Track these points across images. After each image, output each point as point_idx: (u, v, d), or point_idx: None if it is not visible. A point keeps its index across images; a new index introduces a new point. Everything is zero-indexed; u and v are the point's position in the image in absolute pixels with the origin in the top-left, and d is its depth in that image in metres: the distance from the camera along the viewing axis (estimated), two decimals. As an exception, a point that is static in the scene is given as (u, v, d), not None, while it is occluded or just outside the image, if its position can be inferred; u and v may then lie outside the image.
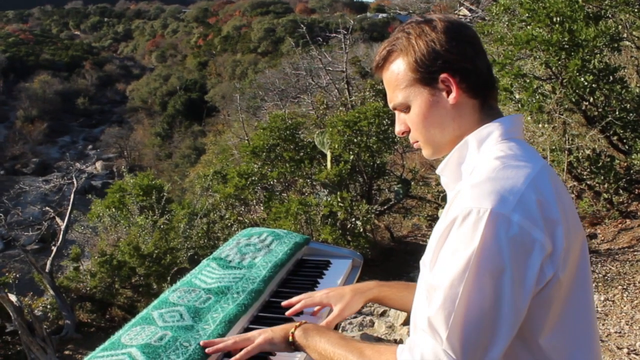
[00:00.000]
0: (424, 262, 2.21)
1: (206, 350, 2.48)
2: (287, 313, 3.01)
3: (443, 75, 2.16)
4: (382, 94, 15.87)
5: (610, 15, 9.48)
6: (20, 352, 14.15)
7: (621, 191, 9.84)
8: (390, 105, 2.35)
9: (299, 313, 3.05)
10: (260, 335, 2.48)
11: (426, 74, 2.19)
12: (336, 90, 20.82)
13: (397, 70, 2.26)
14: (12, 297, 13.39)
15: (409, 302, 2.85)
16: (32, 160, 61.24)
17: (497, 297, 1.84)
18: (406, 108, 2.28)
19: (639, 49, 10.22)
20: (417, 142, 2.34)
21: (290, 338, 2.42)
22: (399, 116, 2.35)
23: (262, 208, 14.12)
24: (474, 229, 1.85)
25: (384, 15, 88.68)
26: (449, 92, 2.18)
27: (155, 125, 65.73)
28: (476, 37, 2.27)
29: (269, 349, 2.48)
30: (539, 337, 1.99)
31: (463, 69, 2.17)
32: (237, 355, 2.44)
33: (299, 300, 3.04)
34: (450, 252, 1.90)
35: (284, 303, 3.04)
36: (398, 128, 2.38)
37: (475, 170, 2.09)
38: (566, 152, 9.06)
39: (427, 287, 2.03)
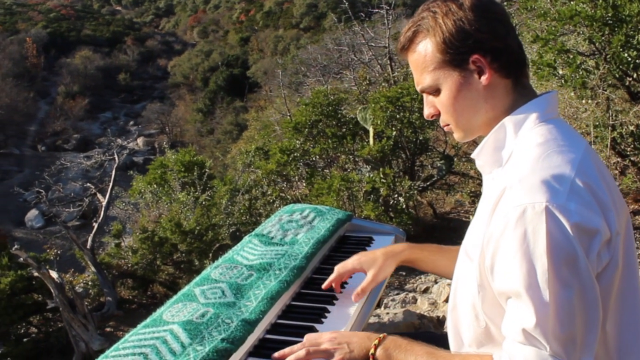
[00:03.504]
0: (468, 254, 2.20)
1: None
2: (323, 286, 3.01)
3: (474, 56, 2.11)
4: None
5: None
6: (62, 329, 14.26)
7: (666, 167, 9.73)
8: (418, 88, 2.30)
9: (343, 284, 3.04)
10: (337, 352, 2.35)
11: (456, 55, 2.13)
12: (379, 66, 20.72)
13: (424, 52, 2.20)
14: (53, 274, 13.48)
15: (441, 265, 2.88)
16: (73, 136, 61.51)
17: (580, 284, 1.81)
18: (435, 91, 2.23)
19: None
20: (448, 125, 2.29)
21: (371, 359, 2.29)
22: (428, 99, 2.30)
23: (304, 184, 14.11)
24: (535, 226, 1.82)
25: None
26: (480, 73, 2.13)
27: (197, 101, 65.80)
28: (505, 13, 2.20)
29: None
30: (605, 323, 1.96)
31: (494, 48, 2.11)
32: None
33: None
34: (517, 254, 1.85)
35: (323, 286, 3.01)
36: (427, 111, 2.33)
37: (517, 158, 2.06)
38: (610, 128, 8.95)
39: (497, 294, 1.99)
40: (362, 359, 2.29)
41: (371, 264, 2.94)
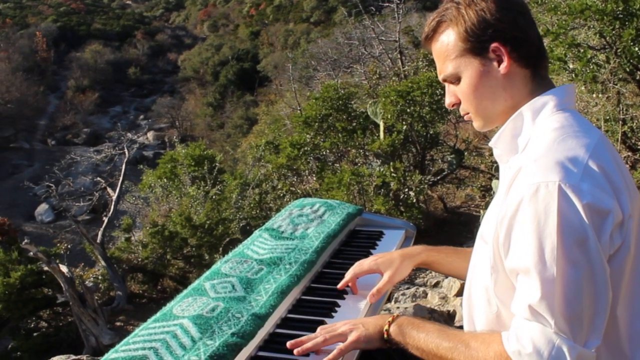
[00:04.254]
0: (483, 237, 2.23)
1: (295, 351, 2.38)
2: (338, 286, 2.99)
3: (494, 45, 2.15)
4: (435, 64, 15.79)
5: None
6: (72, 323, 14.31)
7: (677, 161, 9.71)
8: (440, 77, 2.34)
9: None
10: (353, 332, 2.37)
11: (477, 43, 2.18)
12: (389, 60, 20.74)
13: (446, 41, 2.26)
14: (63, 268, 13.53)
15: (457, 266, 2.90)
16: (83, 130, 61.48)
17: (590, 265, 1.82)
18: (456, 79, 2.27)
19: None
20: (468, 113, 2.33)
21: (385, 335, 2.32)
22: (449, 88, 2.34)
23: (314, 178, 14.13)
24: (547, 204, 1.84)
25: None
26: (499, 62, 2.17)
27: (207, 95, 65.82)
28: (526, 5, 2.25)
29: (364, 347, 2.39)
30: (616, 307, 1.97)
31: (514, 38, 2.16)
32: (331, 355, 2.33)
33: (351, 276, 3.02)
34: (528, 231, 1.87)
35: (339, 286, 3.00)
36: (448, 100, 2.37)
37: (533, 143, 2.09)
38: (620, 122, 8.94)
39: (508, 271, 2.01)
40: (377, 336, 2.33)
41: (388, 265, 2.95)
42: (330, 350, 2.35)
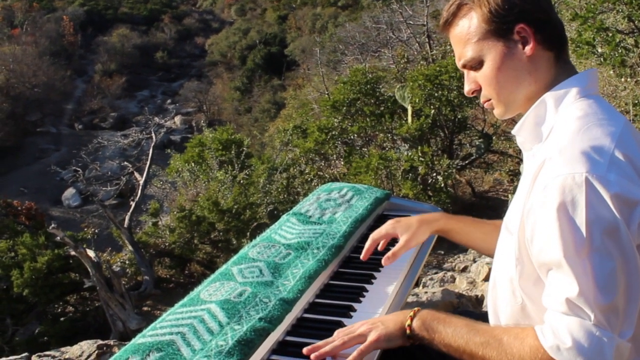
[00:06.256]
0: (508, 227, 2.19)
1: (312, 356, 2.28)
2: (362, 257, 2.98)
3: (519, 26, 2.11)
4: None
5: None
6: (99, 308, 14.39)
7: None
8: (460, 64, 2.28)
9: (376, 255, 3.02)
10: (372, 332, 2.27)
11: (501, 24, 2.13)
12: (417, 44, 20.70)
13: (468, 24, 2.20)
14: (91, 253, 13.60)
15: (475, 237, 2.89)
16: (110, 114, 61.54)
17: (622, 254, 1.79)
18: (478, 64, 2.21)
19: None
20: (489, 100, 2.27)
21: (408, 331, 2.23)
22: (469, 75, 2.28)
23: (342, 163, 14.13)
24: (575, 196, 1.81)
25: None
26: (524, 44, 2.12)
27: (235, 79, 65.80)
28: None
29: (385, 346, 2.28)
30: None
31: (538, 20, 2.12)
32: (351, 358, 2.23)
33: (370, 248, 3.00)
34: (557, 225, 1.83)
35: (362, 257, 2.98)
36: (468, 87, 2.30)
37: (557, 132, 2.05)
38: (649, 106, 8.89)
39: (537, 265, 1.98)
40: (399, 333, 2.25)
41: (405, 229, 2.93)
42: (349, 353, 2.25)
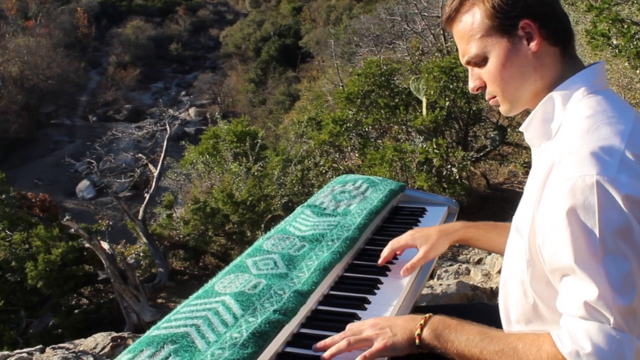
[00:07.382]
0: (518, 229, 2.17)
1: (322, 355, 2.27)
2: (378, 263, 2.98)
3: (524, 21, 2.08)
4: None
5: None
6: (113, 300, 14.44)
7: None
8: (463, 60, 2.25)
9: (391, 261, 3.02)
10: (379, 338, 2.24)
11: (505, 20, 2.10)
12: (432, 36, 20.69)
13: (471, 20, 2.17)
14: (105, 245, 13.64)
15: (496, 242, 2.87)
16: (124, 106, 61.56)
17: (637, 254, 1.77)
18: (482, 60, 2.19)
19: None
20: (494, 97, 2.24)
21: (417, 341, 2.19)
22: (473, 71, 2.25)
23: (356, 155, 14.14)
24: (586, 199, 1.79)
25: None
26: (529, 40, 2.09)
27: (249, 71, 65.82)
28: None
29: (390, 354, 2.25)
30: None
31: (543, 14, 2.09)
32: None
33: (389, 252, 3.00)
34: (569, 229, 1.81)
35: (379, 263, 2.98)
36: (472, 84, 2.27)
37: (565, 131, 2.03)
38: (665, 98, 8.88)
39: (551, 271, 1.95)
40: (407, 342, 2.21)
41: (424, 240, 2.92)
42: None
